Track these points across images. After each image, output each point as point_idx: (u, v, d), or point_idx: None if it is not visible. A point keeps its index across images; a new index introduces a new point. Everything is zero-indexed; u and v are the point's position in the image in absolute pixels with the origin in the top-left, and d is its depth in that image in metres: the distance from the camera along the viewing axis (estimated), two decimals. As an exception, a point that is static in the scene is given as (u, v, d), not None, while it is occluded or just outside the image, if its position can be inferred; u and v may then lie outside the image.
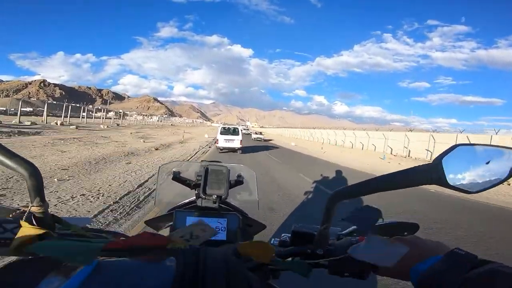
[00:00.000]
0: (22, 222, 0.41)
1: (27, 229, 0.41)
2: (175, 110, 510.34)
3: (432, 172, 0.40)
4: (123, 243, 0.39)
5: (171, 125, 62.57)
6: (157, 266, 0.35)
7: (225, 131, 14.30)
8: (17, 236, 0.40)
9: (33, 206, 0.44)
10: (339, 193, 0.51)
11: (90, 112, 42.70)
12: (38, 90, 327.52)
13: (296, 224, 0.58)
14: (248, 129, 66.30)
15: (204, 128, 53.69)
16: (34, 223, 0.43)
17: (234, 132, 14.28)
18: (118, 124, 32.81)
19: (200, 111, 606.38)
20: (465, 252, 0.37)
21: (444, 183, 0.40)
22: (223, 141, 13.77)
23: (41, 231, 0.41)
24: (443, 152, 0.41)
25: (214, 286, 0.31)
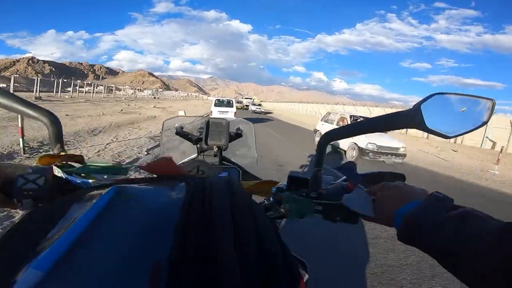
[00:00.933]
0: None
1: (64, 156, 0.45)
2: (172, 84, 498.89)
3: (413, 117, 0.42)
4: (136, 178, 0.43)
5: (154, 97, 53.68)
6: (169, 190, 0.37)
7: (219, 103, 14.79)
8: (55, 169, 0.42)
9: (55, 151, 0.46)
10: (329, 135, 0.53)
11: (77, 87, 41.13)
12: (26, 67, 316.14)
13: (292, 171, 0.61)
14: (260, 106, 39.14)
15: (194, 102, 45.13)
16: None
17: (229, 104, 14.75)
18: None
19: (198, 86, 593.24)
20: (443, 195, 0.39)
21: (423, 127, 0.42)
22: (217, 113, 13.90)
23: (76, 155, 0.45)
24: (422, 99, 0.43)
25: (220, 203, 0.33)
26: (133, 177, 0.43)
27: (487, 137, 15.75)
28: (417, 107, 0.42)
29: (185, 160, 1.00)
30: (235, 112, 14.21)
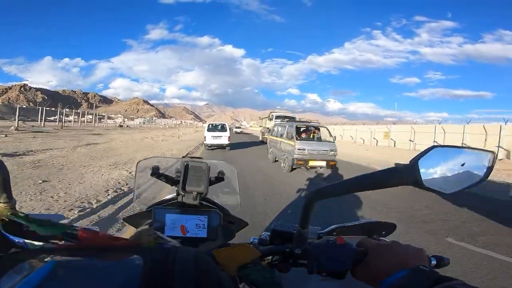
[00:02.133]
0: None
1: None
2: (168, 112, 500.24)
3: (409, 173, 0.41)
4: (78, 244, 0.36)
5: (119, 126, 45.76)
6: (123, 264, 0.33)
7: (213, 128, 14.11)
8: None
9: (0, 203, 0.42)
10: (317, 193, 0.51)
11: (61, 116, 36.77)
12: (18, 95, 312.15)
13: (276, 222, 0.59)
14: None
15: (174, 132, 35.80)
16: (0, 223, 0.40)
17: (222, 128, 14.11)
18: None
19: (194, 113, 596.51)
20: (429, 269, 0.39)
21: (419, 184, 0.40)
22: (211, 138, 13.43)
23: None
24: (420, 153, 0.41)
25: (182, 284, 0.30)
26: (78, 243, 0.36)
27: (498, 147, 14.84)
28: (414, 162, 0.41)
29: (163, 199, 0.95)
30: (229, 137, 13.54)
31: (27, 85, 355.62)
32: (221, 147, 13.62)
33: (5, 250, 0.38)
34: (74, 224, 0.47)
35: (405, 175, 0.41)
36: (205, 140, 13.66)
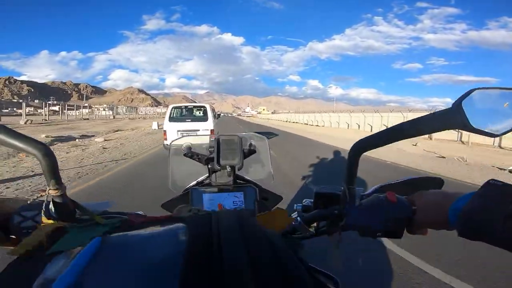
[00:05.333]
0: (44, 218, 0.38)
1: (43, 226, 0.38)
2: (168, 101, 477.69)
3: (455, 116, 0.39)
4: (136, 221, 0.37)
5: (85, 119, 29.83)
6: (166, 234, 0.34)
7: (181, 116, 7.56)
8: (32, 235, 0.36)
9: (50, 189, 0.42)
10: (361, 144, 0.48)
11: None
12: (2, 88, 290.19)
13: (318, 186, 0.56)
14: None
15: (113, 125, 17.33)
16: (53, 210, 0.39)
17: (203, 115, 7.47)
18: None
19: (194, 101, 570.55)
20: (502, 183, 0.35)
21: (468, 127, 0.39)
22: (175, 135, 6.68)
23: (56, 225, 0.38)
24: (462, 95, 0.40)
25: (230, 245, 0.29)
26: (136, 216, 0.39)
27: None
28: (458, 104, 0.39)
29: (197, 180, 0.95)
30: (212, 130, 7.11)
31: (12, 77, 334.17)
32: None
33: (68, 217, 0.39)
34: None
35: (451, 118, 0.39)
36: (165, 140, 6.91)
